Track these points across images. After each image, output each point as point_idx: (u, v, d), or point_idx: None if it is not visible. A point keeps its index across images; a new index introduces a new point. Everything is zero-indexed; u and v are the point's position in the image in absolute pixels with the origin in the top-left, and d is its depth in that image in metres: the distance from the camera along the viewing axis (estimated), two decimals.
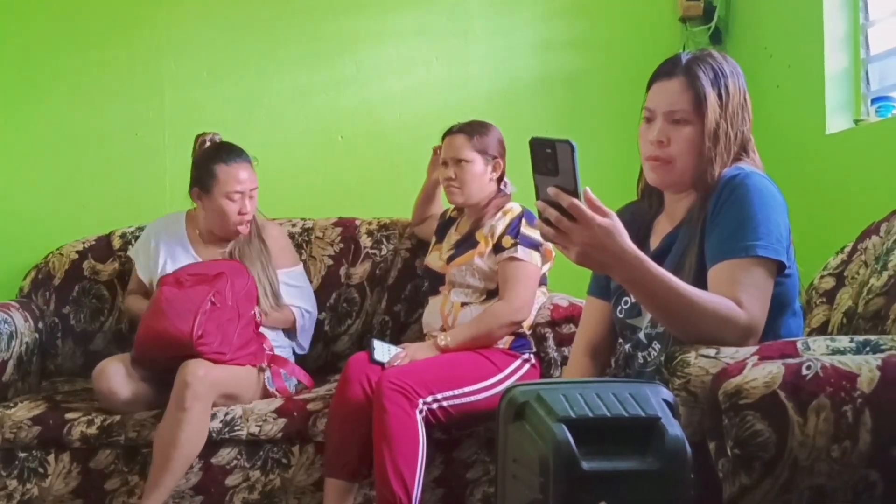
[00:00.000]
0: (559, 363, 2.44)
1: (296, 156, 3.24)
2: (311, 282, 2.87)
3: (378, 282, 2.96)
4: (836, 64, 2.72)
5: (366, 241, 2.99)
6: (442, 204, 2.82)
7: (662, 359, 1.46)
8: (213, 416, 2.36)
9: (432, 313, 2.57)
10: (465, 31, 3.31)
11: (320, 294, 2.88)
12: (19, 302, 2.86)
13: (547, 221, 1.38)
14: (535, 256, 2.43)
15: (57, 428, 2.39)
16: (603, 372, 1.79)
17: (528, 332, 2.47)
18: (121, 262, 2.96)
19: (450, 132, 2.57)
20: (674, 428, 1.17)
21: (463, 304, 2.49)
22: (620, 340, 1.75)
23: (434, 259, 2.63)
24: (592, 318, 1.80)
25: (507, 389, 1.28)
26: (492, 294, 2.47)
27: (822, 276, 1.95)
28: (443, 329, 2.50)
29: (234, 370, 2.43)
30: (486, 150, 2.52)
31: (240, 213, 2.60)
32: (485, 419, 2.29)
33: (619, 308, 1.70)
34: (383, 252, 2.98)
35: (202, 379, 2.30)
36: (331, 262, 2.98)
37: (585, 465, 1.13)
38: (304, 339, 2.78)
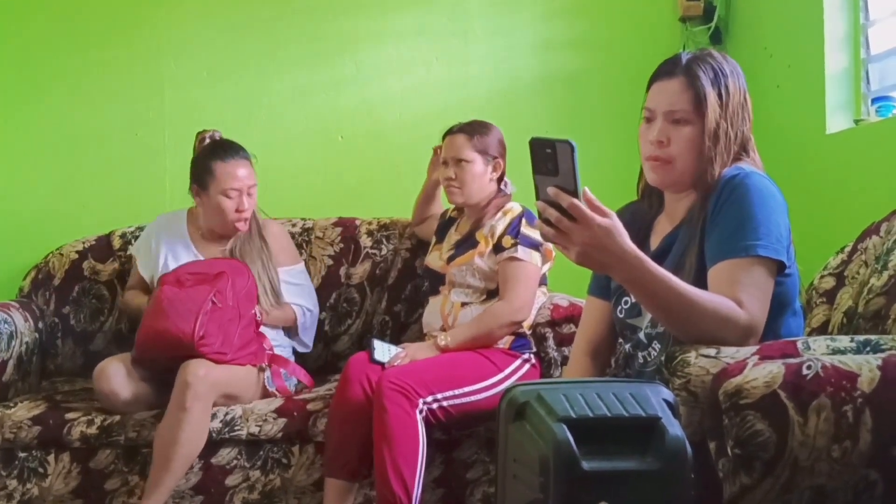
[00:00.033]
0: (559, 363, 2.44)
1: (296, 156, 3.24)
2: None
3: (378, 282, 2.96)
4: (837, 64, 2.72)
5: (366, 241, 2.99)
6: (442, 204, 2.82)
7: (663, 359, 1.46)
8: (213, 416, 2.36)
9: (432, 313, 2.57)
10: (465, 31, 3.31)
11: (320, 294, 2.88)
12: (19, 302, 2.86)
13: (547, 221, 1.38)
14: (536, 256, 2.43)
15: (57, 428, 2.39)
16: (603, 372, 1.79)
17: (528, 332, 2.47)
18: (121, 262, 2.96)
19: (450, 132, 2.57)
20: (674, 428, 1.17)
21: (463, 304, 2.49)
22: (620, 340, 1.75)
23: (434, 259, 2.63)
24: (593, 317, 1.80)
25: (508, 389, 1.28)
26: (492, 294, 2.47)
27: (822, 276, 1.95)
28: (443, 329, 2.50)
29: (234, 370, 2.43)
30: (487, 150, 2.52)
31: (237, 211, 2.60)
32: (485, 419, 2.29)
33: (620, 308, 1.70)
34: (383, 252, 2.98)
35: (203, 379, 2.30)
36: (331, 262, 2.98)
37: (586, 464, 1.13)
38: (307, 337, 2.78)
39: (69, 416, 2.42)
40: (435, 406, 2.24)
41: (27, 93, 3.17)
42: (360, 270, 2.97)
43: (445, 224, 2.70)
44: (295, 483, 2.40)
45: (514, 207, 2.50)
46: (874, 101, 2.64)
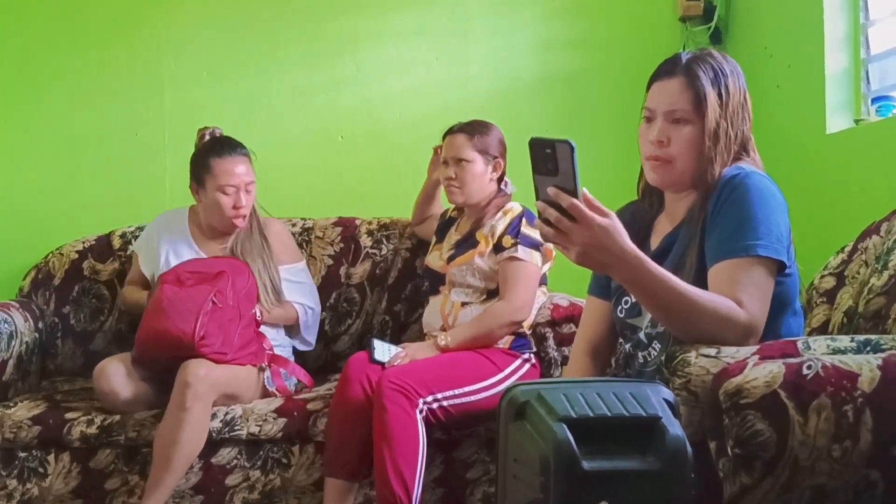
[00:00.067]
0: (559, 363, 2.44)
1: (296, 156, 3.24)
2: None
3: (378, 281, 2.96)
4: (837, 63, 2.72)
5: (366, 241, 2.99)
6: (442, 204, 2.82)
7: (663, 358, 1.46)
8: (213, 416, 2.36)
9: (432, 313, 2.57)
10: (465, 31, 3.31)
11: (320, 294, 2.88)
12: (19, 302, 2.86)
13: (547, 222, 1.38)
14: (536, 256, 2.43)
15: (57, 428, 2.39)
16: (603, 371, 1.79)
17: (528, 332, 2.47)
18: (121, 262, 2.96)
19: (450, 131, 2.57)
20: (674, 427, 1.17)
21: (463, 304, 2.49)
22: (621, 340, 1.75)
23: (434, 259, 2.63)
24: (593, 317, 1.80)
25: (508, 389, 1.28)
26: (492, 294, 2.47)
27: (822, 276, 1.95)
28: (443, 329, 2.50)
29: (234, 370, 2.43)
30: (487, 150, 2.52)
31: (234, 207, 2.60)
32: (485, 419, 2.29)
33: (620, 308, 1.70)
34: (383, 252, 2.98)
35: (203, 379, 2.30)
36: (331, 261, 2.98)
37: (586, 464, 1.13)
38: (310, 335, 2.78)
39: (69, 415, 2.42)
40: (435, 406, 2.24)
41: (27, 93, 3.17)
42: (360, 270, 2.97)
43: (445, 224, 2.70)
44: (295, 483, 2.40)
45: (515, 207, 2.50)
46: (874, 100, 2.64)
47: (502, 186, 2.57)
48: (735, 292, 1.45)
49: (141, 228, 2.95)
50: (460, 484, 2.41)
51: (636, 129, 1.66)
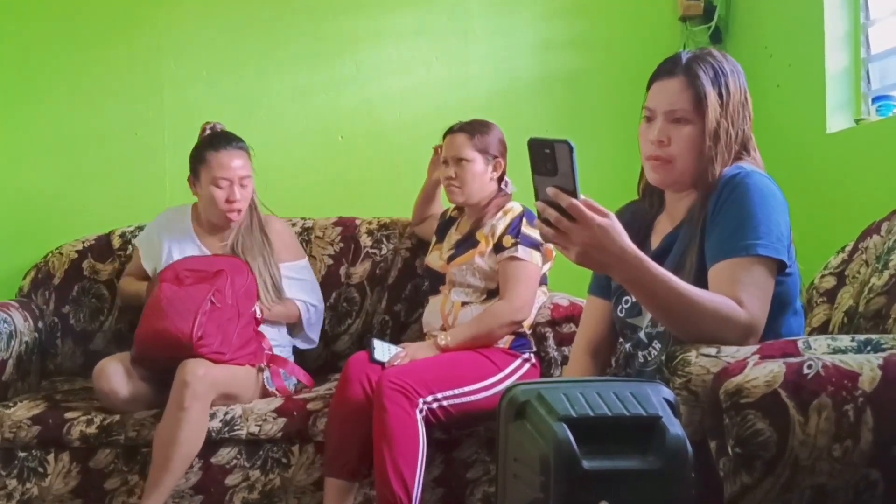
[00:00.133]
0: (559, 363, 2.44)
1: (296, 155, 3.24)
2: None
3: (378, 281, 2.96)
4: (837, 63, 2.72)
5: (366, 241, 2.99)
6: (442, 203, 2.82)
7: (663, 358, 1.46)
8: (213, 416, 2.36)
9: (432, 313, 2.57)
10: (465, 31, 3.31)
11: None
12: (19, 301, 2.86)
13: (546, 222, 1.38)
14: (536, 256, 2.43)
15: (56, 427, 2.39)
16: (603, 371, 1.79)
17: (528, 332, 2.47)
18: (120, 262, 2.96)
19: (451, 131, 2.57)
20: (675, 427, 1.17)
21: (463, 304, 2.49)
22: (621, 340, 1.75)
23: (434, 259, 2.63)
24: (593, 317, 1.80)
25: (508, 388, 1.28)
26: (492, 293, 2.47)
27: (822, 276, 1.95)
28: (443, 328, 2.50)
29: (233, 370, 2.43)
30: (487, 150, 2.51)
31: (228, 201, 2.59)
32: (485, 419, 2.29)
33: (620, 307, 1.70)
34: (383, 252, 2.98)
35: (201, 378, 2.30)
36: (331, 261, 2.98)
37: (586, 464, 1.13)
38: (313, 333, 2.78)
39: (69, 415, 2.42)
40: (435, 406, 2.24)
41: (27, 93, 3.17)
42: (360, 270, 2.97)
43: (446, 223, 2.70)
44: (295, 483, 2.40)
45: (515, 207, 2.50)
46: (874, 100, 2.64)
47: (502, 186, 2.57)
48: (735, 292, 1.45)
49: (141, 228, 2.95)
50: (460, 484, 2.41)
51: (636, 129, 1.66)
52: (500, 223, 2.47)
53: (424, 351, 2.42)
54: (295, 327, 2.74)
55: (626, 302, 1.69)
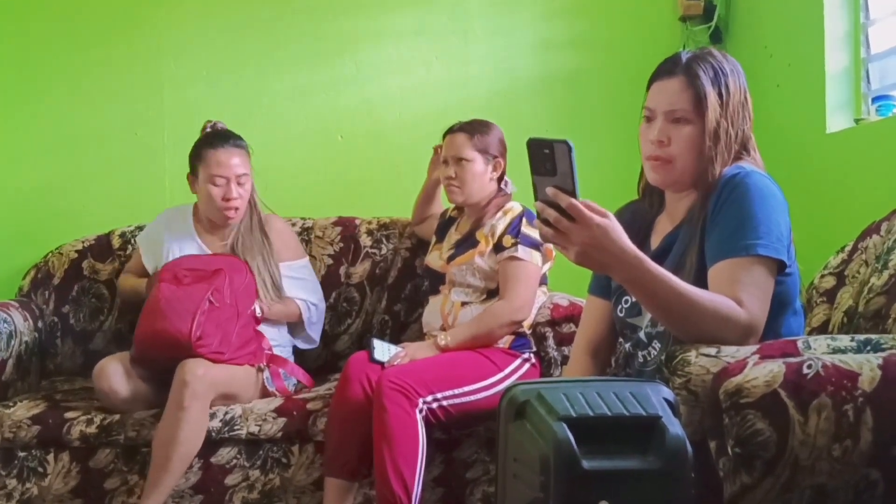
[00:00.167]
0: (559, 362, 2.44)
1: (296, 155, 3.24)
2: None
3: (378, 281, 2.96)
4: (837, 63, 2.72)
5: (366, 241, 2.99)
6: (442, 203, 2.82)
7: (663, 358, 1.46)
8: (213, 416, 2.36)
9: (432, 313, 2.57)
10: (465, 31, 3.31)
11: None
12: (19, 301, 2.86)
13: (546, 222, 1.38)
14: (536, 256, 2.43)
15: (56, 427, 2.39)
16: (603, 371, 1.79)
17: (528, 332, 2.47)
18: (120, 262, 2.96)
19: (451, 131, 2.57)
20: (674, 427, 1.17)
21: (463, 304, 2.49)
22: (621, 339, 1.75)
23: (434, 258, 2.63)
24: (593, 317, 1.80)
25: (508, 388, 1.28)
26: (492, 293, 2.47)
27: (822, 276, 1.95)
28: (443, 328, 2.50)
29: (232, 370, 2.43)
30: (487, 150, 2.51)
31: (225, 199, 2.59)
32: (485, 419, 2.29)
33: (620, 307, 1.70)
34: (383, 251, 2.98)
35: (201, 378, 2.30)
36: (331, 261, 2.98)
37: (586, 463, 1.13)
38: (314, 332, 2.77)
39: (68, 415, 2.42)
40: (435, 405, 2.24)
41: (27, 93, 3.17)
42: (360, 270, 2.97)
43: (445, 223, 2.70)
44: (294, 482, 2.40)
45: (515, 207, 2.50)
46: (874, 100, 2.64)
47: (502, 186, 2.57)
48: (735, 292, 1.45)
49: (141, 228, 2.95)
50: (460, 484, 2.41)
51: (636, 129, 1.66)
52: (500, 223, 2.47)
53: (424, 351, 2.42)
54: (296, 327, 2.74)
55: (626, 302, 1.69)
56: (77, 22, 3.17)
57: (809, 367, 1.25)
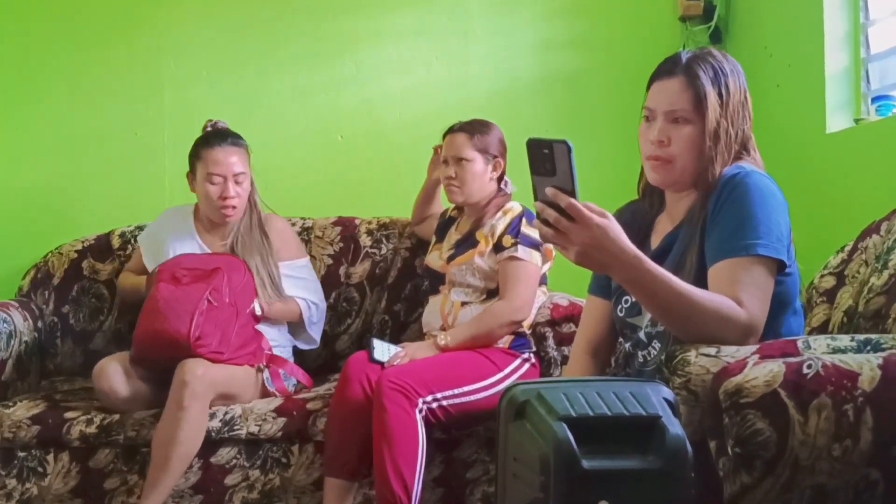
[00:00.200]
0: (559, 362, 2.44)
1: (296, 155, 3.24)
2: None
3: (378, 281, 2.96)
4: (837, 63, 2.72)
5: (365, 241, 2.99)
6: (442, 203, 2.82)
7: (663, 357, 1.46)
8: (213, 416, 2.36)
9: (432, 312, 2.57)
10: (465, 31, 3.31)
11: None
12: (18, 301, 2.86)
13: (545, 222, 1.38)
14: (536, 256, 2.43)
15: (56, 427, 2.39)
16: (603, 371, 1.79)
17: (528, 332, 2.47)
18: (120, 262, 2.96)
19: (451, 131, 2.57)
20: (674, 427, 1.17)
21: (463, 304, 2.49)
22: (621, 339, 1.75)
23: (434, 258, 2.63)
24: (593, 316, 1.80)
25: (508, 388, 1.28)
26: (492, 293, 2.47)
27: (822, 275, 1.95)
28: (443, 328, 2.50)
29: (232, 370, 2.43)
30: (487, 150, 2.51)
31: (221, 197, 2.59)
32: (485, 418, 2.29)
33: (620, 307, 1.70)
34: (383, 251, 2.98)
35: (200, 378, 2.30)
36: (330, 261, 2.98)
37: (586, 463, 1.13)
38: (315, 332, 2.77)
39: (68, 415, 2.42)
40: (435, 405, 2.24)
41: (27, 93, 3.17)
42: (360, 270, 2.97)
43: (445, 223, 2.70)
44: (294, 482, 2.40)
45: (515, 207, 2.50)
46: (874, 100, 2.64)
47: (502, 186, 2.57)
48: (735, 291, 1.45)
49: (140, 228, 2.95)
50: (460, 484, 2.41)
51: (636, 129, 1.66)
52: (500, 223, 2.47)
53: (424, 351, 2.42)
54: (297, 327, 2.74)
55: (626, 301, 1.69)
56: (77, 22, 3.17)
57: (809, 366, 1.25)
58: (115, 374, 2.41)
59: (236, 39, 3.24)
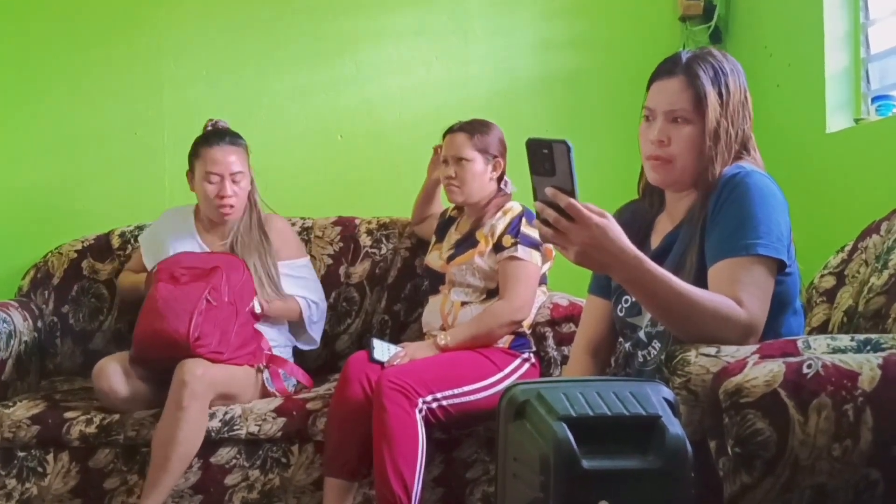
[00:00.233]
0: (559, 362, 2.44)
1: (296, 155, 3.24)
2: None
3: (378, 281, 2.96)
4: (837, 63, 2.72)
5: (365, 241, 2.99)
6: (442, 203, 2.82)
7: (662, 357, 1.46)
8: (213, 416, 2.36)
9: (432, 312, 2.57)
10: (465, 30, 3.31)
11: None
12: (18, 301, 2.86)
13: (545, 222, 1.38)
14: (536, 256, 2.43)
15: (56, 427, 2.39)
16: (603, 371, 1.79)
17: (527, 332, 2.47)
18: (120, 262, 2.96)
19: (451, 130, 2.57)
20: (674, 427, 1.17)
21: (463, 304, 2.49)
22: (621, 339, 1.75)
23: (434, 258, 2.63)
24: (593, 316, 1.80)
25: (508, 388, 1.28)
26: (492, 293, 2.47)
27: (822, 275, 1.95)
28: (443, 328, 2.50)
29: (231, 370, 2.43)
30: (487, 149, 2.51)
31: (219, 196, 2.59)
32: (484, 418, 2.29)
33: (620, 307, 1.70)
34: (383, 251, 2.98)
35: (200, 378, 2.30)
36: (330, 261, 2.98)
37: (586, 463, 1.13)
38: (315, 332, 2.77)
39: (68, 415, 2.42)
40: (434, 405, 2.24)
41: (27, 93, 3.17)
42: (360, 269, 2.97)
43: (445, 223, 2.70)
44: (294, 482, 2.40)
45: (514, 207, 2.50)
46: (874, 100, 2.64)
47: (502, 186, 2.57)
48: (735, 291, 1.45)
49: (140, 228, 2.95)
50: (460, 483, 2.41)
51: (636, 129, 1.66)
52: (500, 223, 2.47)
53: (424, 351, 2.42)
54: (297, 327, 2.74)
55: (626, 301, 1.69)
56: (77, 22, 3.17)
57: (809, 366, 1.25)
58: (114, 374, 2.41)
59: (236, 39, 3.24)
